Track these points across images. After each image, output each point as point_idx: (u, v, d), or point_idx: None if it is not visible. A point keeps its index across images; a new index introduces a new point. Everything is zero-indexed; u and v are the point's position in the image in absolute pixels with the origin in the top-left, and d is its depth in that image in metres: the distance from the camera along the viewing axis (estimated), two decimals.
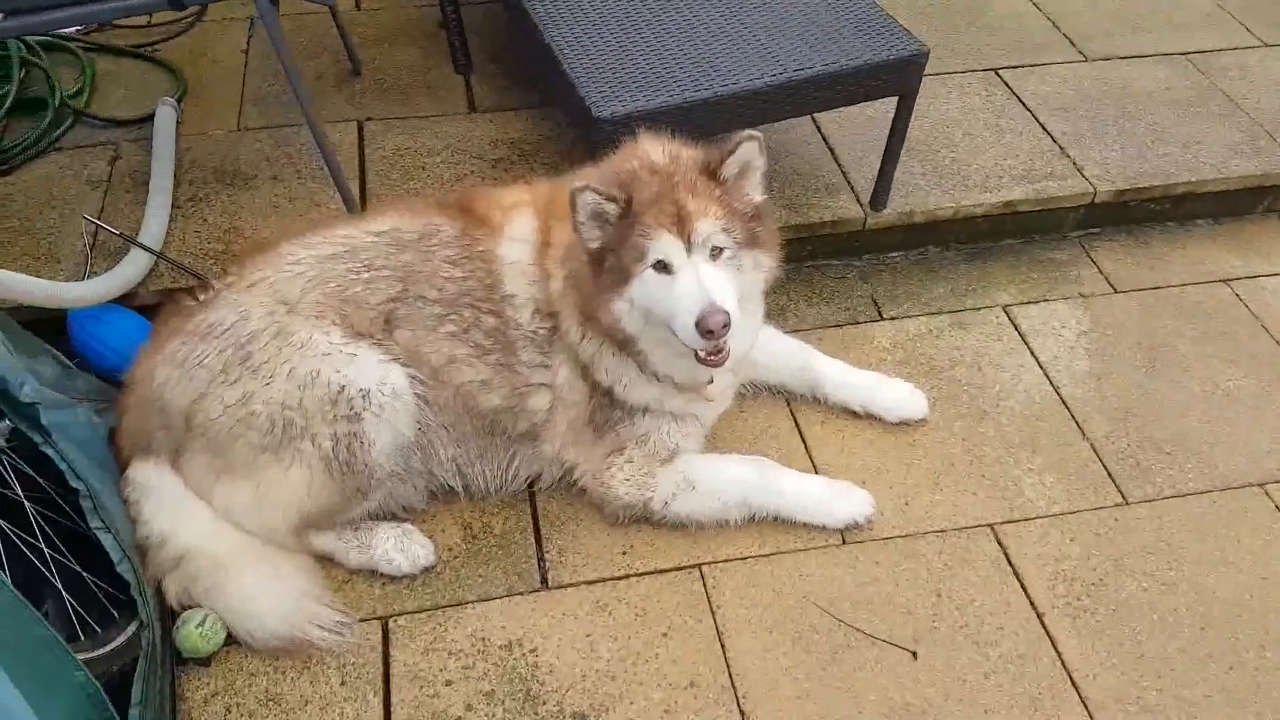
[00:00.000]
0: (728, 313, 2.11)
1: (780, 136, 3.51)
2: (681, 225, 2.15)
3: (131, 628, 2.16)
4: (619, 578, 2.47)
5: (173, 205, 3.08)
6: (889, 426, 2.83)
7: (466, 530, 2.56)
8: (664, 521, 2.53)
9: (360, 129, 3.48)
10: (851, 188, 3.32)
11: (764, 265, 2.32)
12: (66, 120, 3.39)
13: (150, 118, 3.34)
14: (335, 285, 2.40)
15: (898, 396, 2.85)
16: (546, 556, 2.51)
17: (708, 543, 2.54)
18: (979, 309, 3.20)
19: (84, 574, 2.19)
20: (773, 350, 2.87)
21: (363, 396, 2.31)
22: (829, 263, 3.33)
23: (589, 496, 2.56)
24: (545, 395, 2.49)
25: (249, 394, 2.27)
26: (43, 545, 2.15)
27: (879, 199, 3.21)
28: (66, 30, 3.75)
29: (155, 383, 2.33)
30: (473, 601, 2.41)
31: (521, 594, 2.43)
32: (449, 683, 2.27)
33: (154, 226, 2.89)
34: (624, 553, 2.53)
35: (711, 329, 2.09)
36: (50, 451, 2.16)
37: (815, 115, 3.58)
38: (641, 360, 2.38)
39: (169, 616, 2.28)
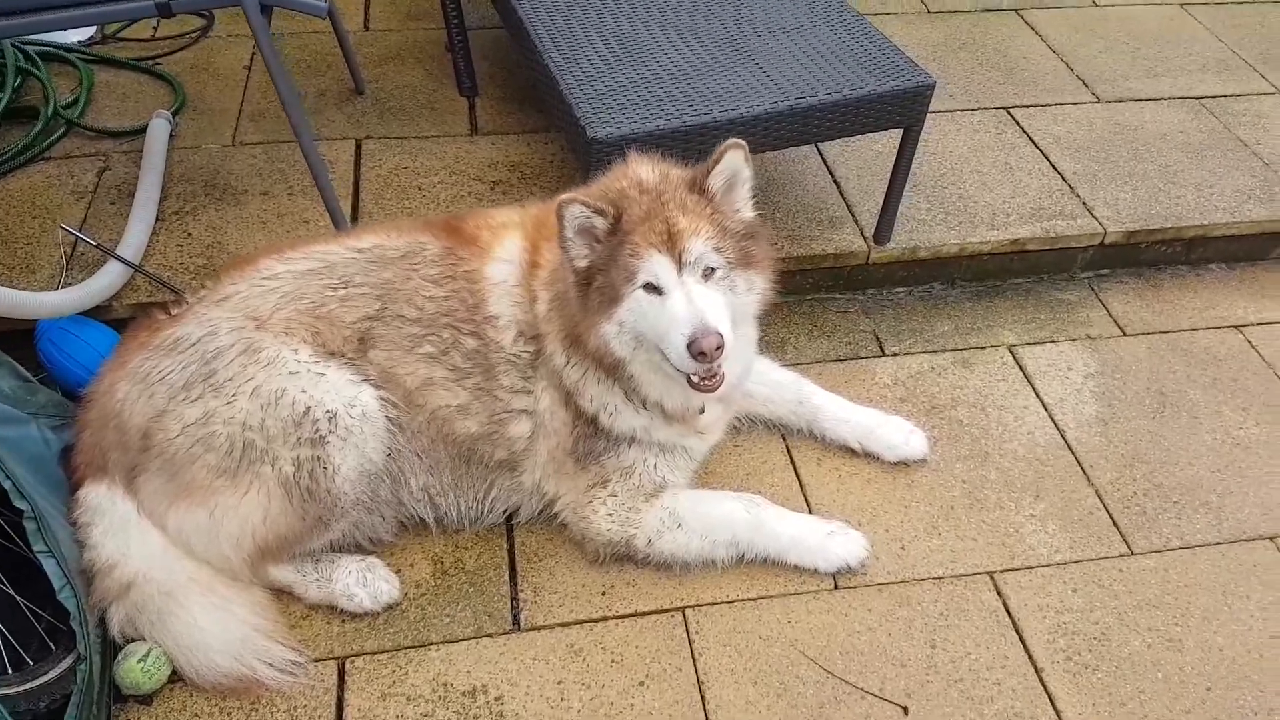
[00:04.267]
0: (721, 334, 1.99)
1: (785, 167, 3.41)
2: (672, 244, 2.04)
3: (68, 660, 2.02)
4: (596, 620, 2.32)
5: (157, 218, 2.98)
6: (887, 466, 2.69)
7: (437, 565, 2.41)
8: (648, 561, 2.39)
9: (358, 147, 3.39)
10: (856, 221, 3.21)
11: (758, 287, 2.21)
12: (59, 130, 3.31)
13: (143, 130, 3.26)
14: (309, 302, 2.28)
15: (897, 435, 2.71)
16: (521, 595, 2.36)
17: (692, 584, 2.39)
18: (984, 348, 3.08)
19: (20, 601, 2.06)
20: (769, 382, 2.74)
21: (329, 419, 2.18)
22: (831, 296, 3.22)
23: (570, 531, 2.42)
24: (526, 422, 2.36)
25: (210, 413, 2.14)
26: None
27: (883, 233, 3.10)
28: (67, 41, 3.70)
29: (115, 399, 2.20)
30: (438, 643, 2.26)
31: (491, 635, 2.28)
32: None
33: (133, 239, 2.79)
34: (603, 593, 2.38)
35: (704, 350, 1.97)
36: None
37: (821, 147, 3.50)
38: (630, 386, 2.25)
39: (111, 650, 2.13)
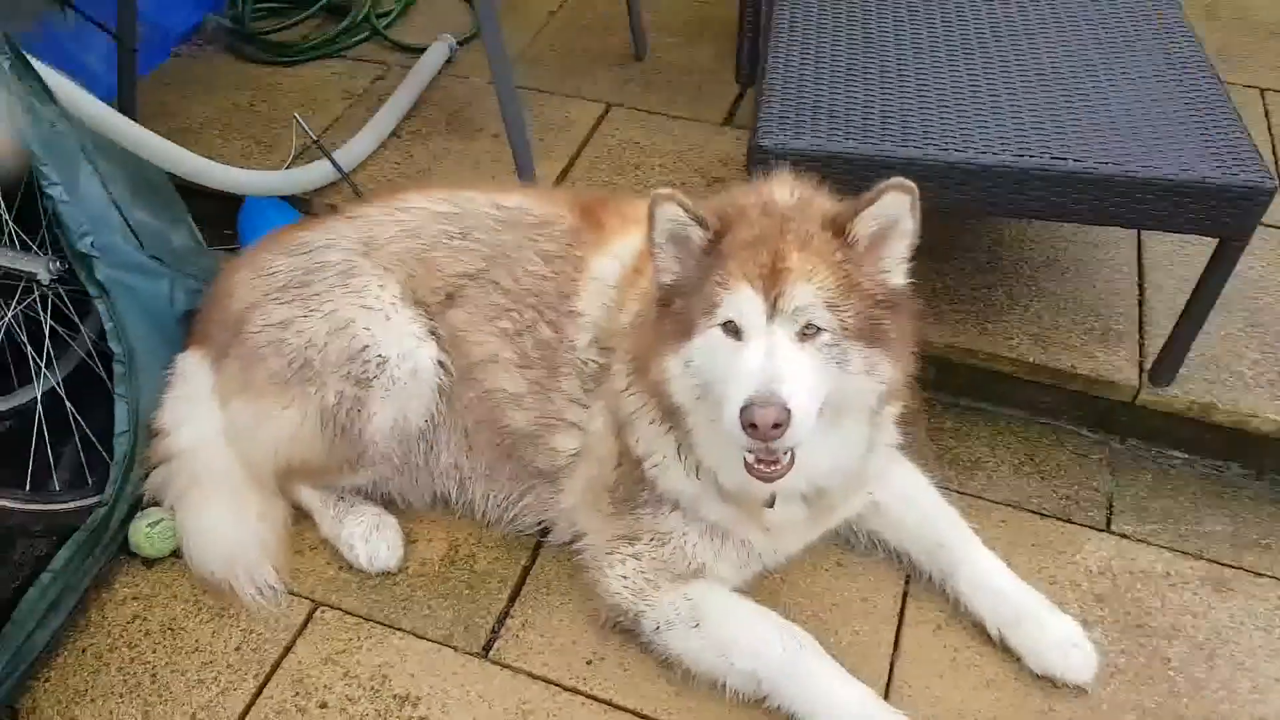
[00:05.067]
0: (789, 411, 1.54)
1: (1077, 246, 2.68)
2: (771, 282, 1.62)
3: (90, 501, 2.13)
4: (566, 688, 1.98)
5: (393, 134, 3.08)
6: (1026, 675, 1.97)
7: (450, 551, 2.22)
8: (651, 649, 1.99)
9: (605, 112, 3.25)
10: (1141, 344, 2.41)
11: (882, 373, 1.70)
12: (362, 34, 3.55)
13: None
14: (421, 243, 2.18)
15: (1056, 639, 1.97)
16: (507, 623, 2.09)
17: (690, 700, 1.95)
18: (1260, 576, 2.15)
19: (79, 433, 2.22)
20: (912, 504, 2.15)
21: (379, 363, 2.07)
22: (1071, 429, 2.46)
23: (586, 578, 2.09)
24: (574, 437, 2.07)
25: (290, 319, 2.13)
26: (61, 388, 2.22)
27: (1163, 371, 2.28)
28: None
29: (233, 279, 2.28)
30: (404, 631, 2.07)
31: (455, 649, 2.04)
32: (323, 705, 1.96)
33: (356, 147, 2.90)
34: (589, 662, 2.02)
35: (755, 423, 1.54)
36: (101, 307, 2.17)
37: (1142, 236, 2.70)
38: (685, 441, 1.86)
39: (136, 507, 2.23)
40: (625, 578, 1.99)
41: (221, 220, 2.84)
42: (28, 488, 2.15)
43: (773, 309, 1.62)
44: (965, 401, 2.53)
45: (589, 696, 1.97)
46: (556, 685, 1.99)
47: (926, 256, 2.71)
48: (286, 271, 2.20)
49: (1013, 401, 2.48)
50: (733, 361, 1.63)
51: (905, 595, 2.13)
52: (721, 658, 1.92)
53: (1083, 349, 2.41)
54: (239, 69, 3.48)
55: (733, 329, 1.65)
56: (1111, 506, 2.30)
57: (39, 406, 2.21)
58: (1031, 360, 2.40)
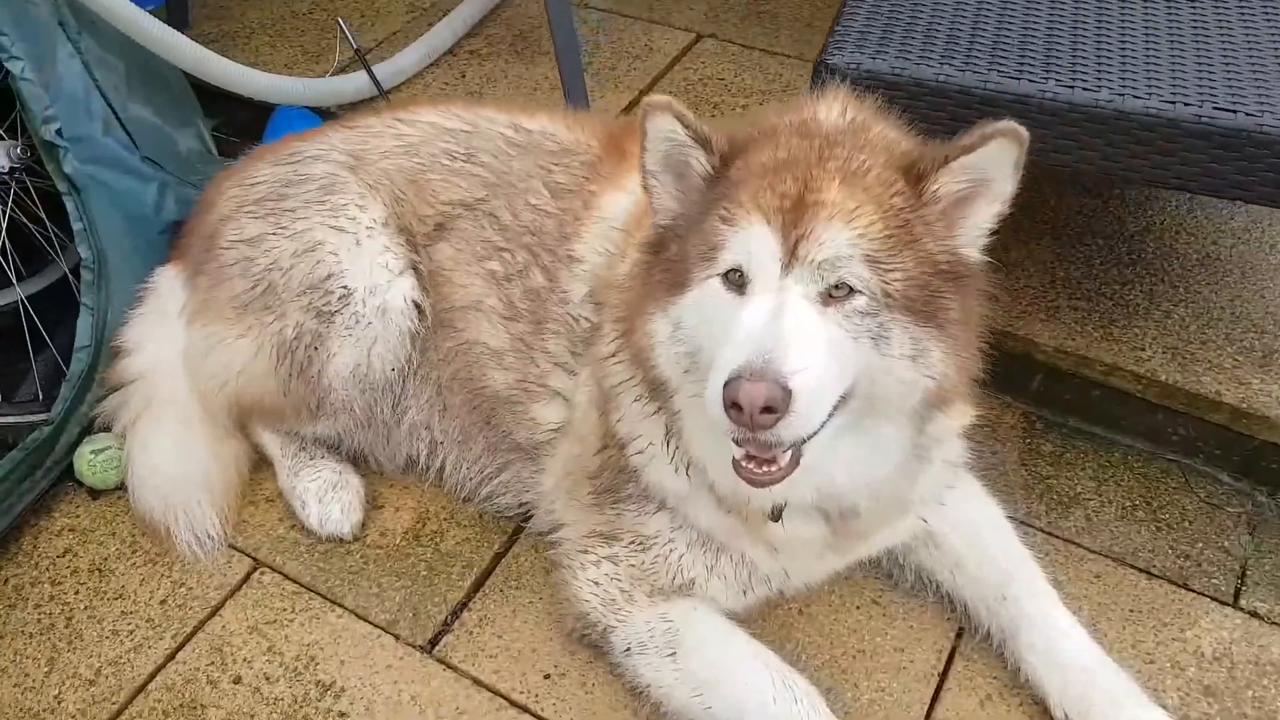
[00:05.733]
0: (789, 391, 1.15)
1: (1252, 250, 2.12)
2: (793, 218, 1.23)
3: (36, 418, 1.94)
4: (513, 702, 1.65)
5: (449, 52, 2.80)
6: None
7: (418, 524, 1.91)
8: (620, 672, 1.62)
9: (694, 42, 2.85)
10: None
11: (931, 363, 1.29)
12: None
13: None
14: (417, 162, 1.88)
15: None
16: (463, 616, 1.77)
17: None
18: None
19: (37, 344, 2.03)
20: (974, 538, 1.71)
21: (343, 296, 1.78)
22: (1205, 472, 1.93)
23: (557, 576, 1.73)
24: (557, 408, 1.72)
25: (260, 236, 1.86)
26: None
27: None
28: None
29: (219, 190, 2.02)
30: (345, 609, 1.78)
31: (396, 638, 1.74)
32: (237, 680, 1.69)
33: (401, 62, 2.63)
34: (547, 676, 1.68)
35: (739, 401, 1.15)
36: (69, 204, 1.95)
37: None
38: (673, 426, 1.48)
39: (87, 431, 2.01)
40: (596, 583, 1.63)
41: (255, 130, 2.61)
42: None
43: (791, 255, 1.22)
44: (1074, 422, 2.04)
45: (536, 717, 1.62)
46: (503, 698, 1.65)
47: (1049, 237, 2.23)
48: (268, 183, 1.92)
49: (1134, 429, 1.98)
50: (729, 321, 1.24)
51: (953, 652, 1.69)
52: (697, 698, 1.54)
53: (1233, 373, 1.89)
54: None
55: (737, 280, 1.26)
56: (1244, 575, 1.77)
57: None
58: (1164, 379, 1.88)
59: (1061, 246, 2.20)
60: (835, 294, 1.23)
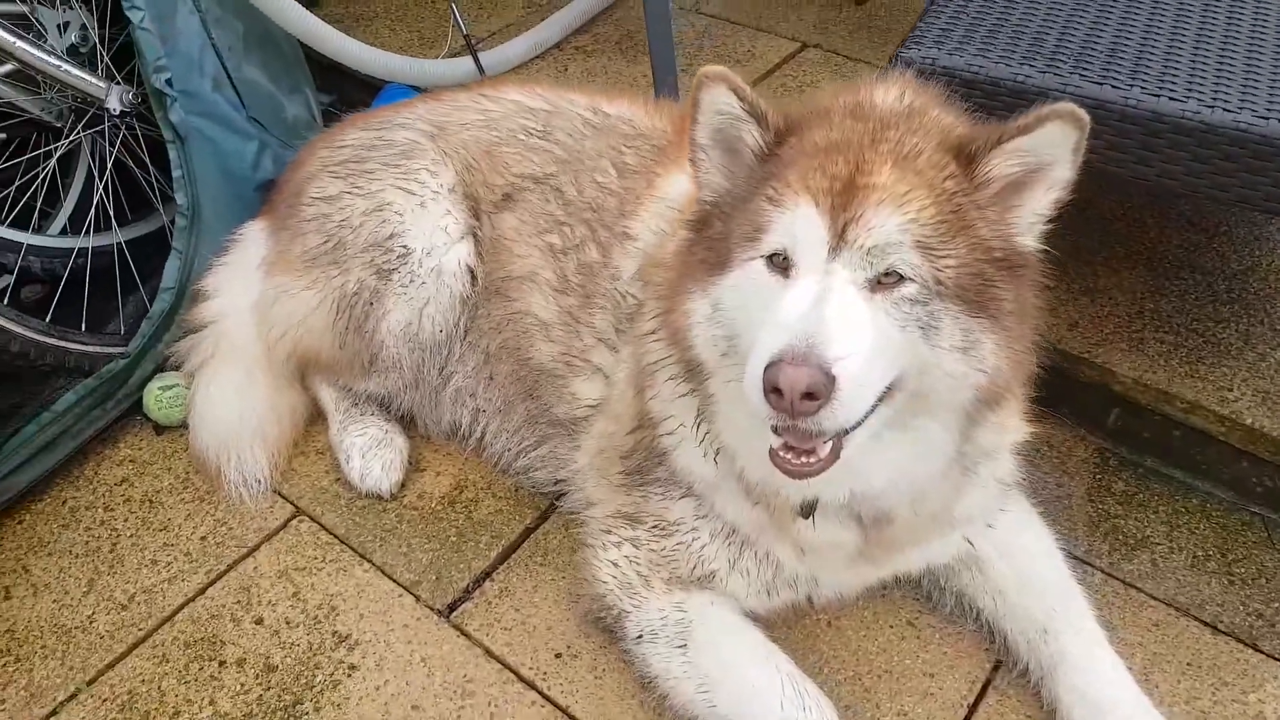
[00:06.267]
0: (833, 377, 1.11)
1: None
2: (843, 200, 1.19)
3: (115, 350, 2.02)
4: (521, 678, 1.62)
5: (557, 46, 2.85)
6: None
7: (455, 490, 1.92)
8: (631, 659, 1.58)
9: (797, 51, 2.82)
10: None
11: (983, 356, 1.23)
12: None
13: None
14: (495, 135, 1.91)
15: None
16: (485, 586, 1.75)
17: None
18: None
19: (127, 281, 2.13)
20: (1021, 567, 1.61)
21: (402, 255, 1.82)
22: None
23: (579, 556, 1.71)
24: (597, 385, 1.70)
25: (338, 195, 1.92)
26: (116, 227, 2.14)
27: None
28: None
29: (311, 148, 2.09)
30: (372, 565, 1.79)
31: (416, 599, 1.74)
32: (259, 621, 1.72)
33: (507, 51, 2.69)
34: (558, 655, 1.65)
35: (781, 388, 1.11)
36: (171, 152, 2.06)
37: None
38: (706, 410, 1.44)
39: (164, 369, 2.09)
40: (616, 565, 1.60)
41: (367, 107, 2.71)
42: (83, 327, 2.08)
43: (839, 238, 1.17)
44: (1151, 462, 1.90)
45: (542, 695, 1.59)
46: (512, 671, 1.63)
47: (1144, 267, 2.13)
48: (353, 147, 1.98)
49: (1216, 475, 1.84)
50: (771, 306, 1.20)
51: (987, 684, 1.59)
52: (703, 694, 1.48)
53: None
54: None
55: (781, 262, 1.21)
56: None
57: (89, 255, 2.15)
58: (1250, 424, 1.74)
59: (1155, 278, 2.07)
60: (884, 280, 1.18)
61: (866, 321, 1.16)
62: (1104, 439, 1.94)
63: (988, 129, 1.25)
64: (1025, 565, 1.60)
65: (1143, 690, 1.47)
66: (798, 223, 1.20)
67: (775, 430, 1.22)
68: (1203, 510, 1.82)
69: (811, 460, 1.22)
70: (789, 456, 1.23)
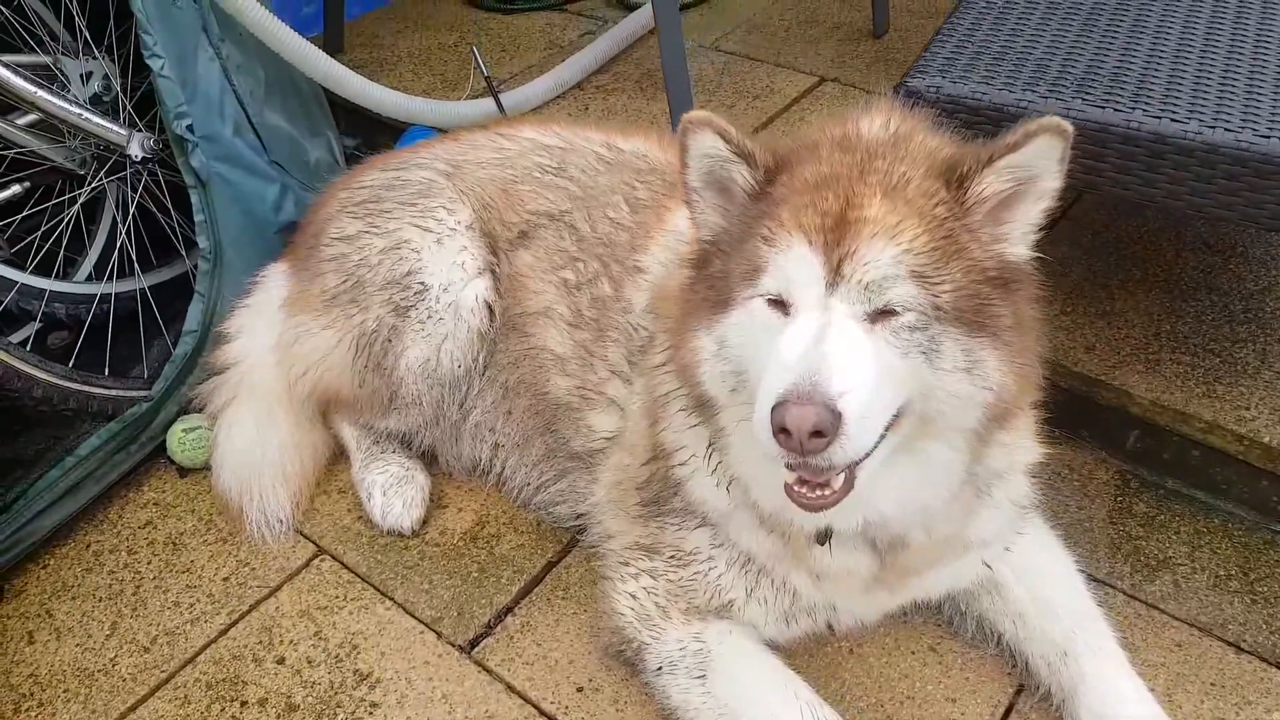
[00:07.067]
0: (839, 414, 1.12)
1: None
2: (835, 236, 1.20)
3: (136, 394, 2.06)
4: (543, 712, 1.62)
5: (578, 85, 2.91)
6: None
7: (477, 526, 1.93)
8: (652, 691, 1.58)
9: (815, 85, 2.87)
10: None
11: (987, 374, 1.24)
12: None
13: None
14: (511, 173, 1.95)
15: None
16: (506, 621, 1.76)
17: None
18: None
19: (151, 328, 2.17)
20: (1040, 590, 1.61)
21: (419, 292, 1.84)
22: None
23: (598, 589, 1.71)
24: (612, 417, 1.72)
25: (356, 234, 1.95)
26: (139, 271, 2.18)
27: None
28: None
29: (331, 190, 2.13)
30: (394, 603, 1.80)
31: (438, 635, 1.74)
32: (280, 661, 1.73)
33: (528, 91, 2.74)
34: (580, 689, 1.65)
35: (788, 428, 1.13)
36: (194, 197, 2.10)
37: None
38: (717, 442, 1.45)
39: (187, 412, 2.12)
40: (634, 596, 1.60)
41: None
42: (106, 372, 2.12)
43: (834, 275, 1.19)
44: (1172, 483, 1.90)
45: None
46: (533, 706, 1.63)
47: (1160, 289, 2.14)
48: (372, 187, 2.02)
49: (1238, 495, 1.83)
50: (773, 344, 1.21)
51: (1009, 709, 1.58)
52: None
53: None
54: (459, 12, 3.44)
55: (779, 302, 1.23)
56: None
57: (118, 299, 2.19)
58: (1268, 442, 1.74)
59: (1171, 300, 2.07)
60: (881, 315, 1.19)
61: (868, 354, 1.17)
62: (1124, 461, 1.93)
63: (975, 149, 1.27)
64: (1043, 588, 1.60)
65: (1166, 711, 1.46)
66: (792, 262, 1.21)
67: (789, 467, 1.23)
68: (1224, 530, 1.81)
69: (826, 493, 1.23)
70: (804, 491, 1.24)
